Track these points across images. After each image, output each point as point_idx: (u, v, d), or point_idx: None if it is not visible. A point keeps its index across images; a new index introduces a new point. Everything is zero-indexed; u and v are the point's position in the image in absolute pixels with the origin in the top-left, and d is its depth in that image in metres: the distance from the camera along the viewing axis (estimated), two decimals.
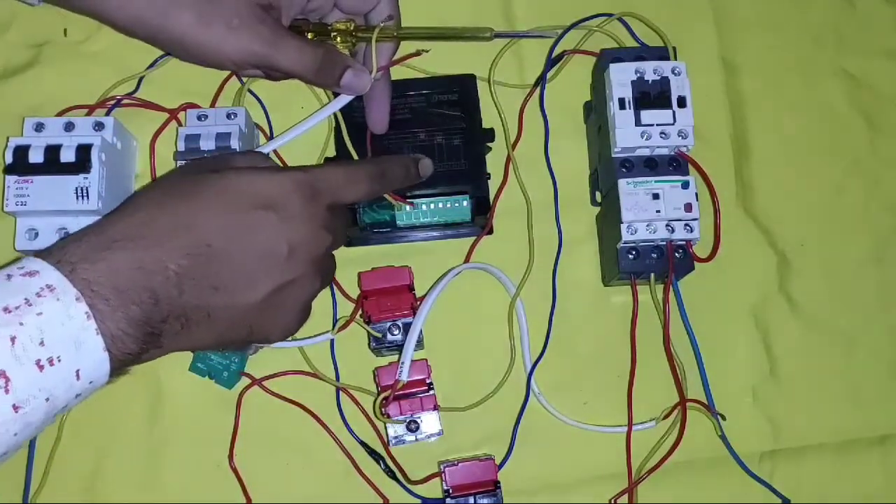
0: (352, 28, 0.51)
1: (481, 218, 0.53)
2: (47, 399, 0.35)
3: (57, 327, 0.35)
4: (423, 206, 0.51)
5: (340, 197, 0.45)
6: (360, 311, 0.51)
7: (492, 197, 0.53)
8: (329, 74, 0.49)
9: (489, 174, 0.53)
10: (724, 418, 0.51)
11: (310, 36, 0.51)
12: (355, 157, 0.51)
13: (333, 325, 0.51)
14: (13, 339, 0.34)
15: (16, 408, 0.34)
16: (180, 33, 0.47)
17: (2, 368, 0.34)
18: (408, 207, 0.51)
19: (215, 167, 0.44)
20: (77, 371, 0.36)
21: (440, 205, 0.52)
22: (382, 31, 0.50)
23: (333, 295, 0.52)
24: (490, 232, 0.54)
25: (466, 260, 0.53)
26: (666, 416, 0.52)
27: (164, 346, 0.39)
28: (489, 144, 0.54)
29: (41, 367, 0.35)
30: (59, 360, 0.35)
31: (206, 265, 0.40)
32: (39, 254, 0.38)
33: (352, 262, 0.52)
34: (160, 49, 0.52)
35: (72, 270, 0.36)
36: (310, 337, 0.51)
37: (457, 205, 0.52)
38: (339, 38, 0.51)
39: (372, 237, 0.53)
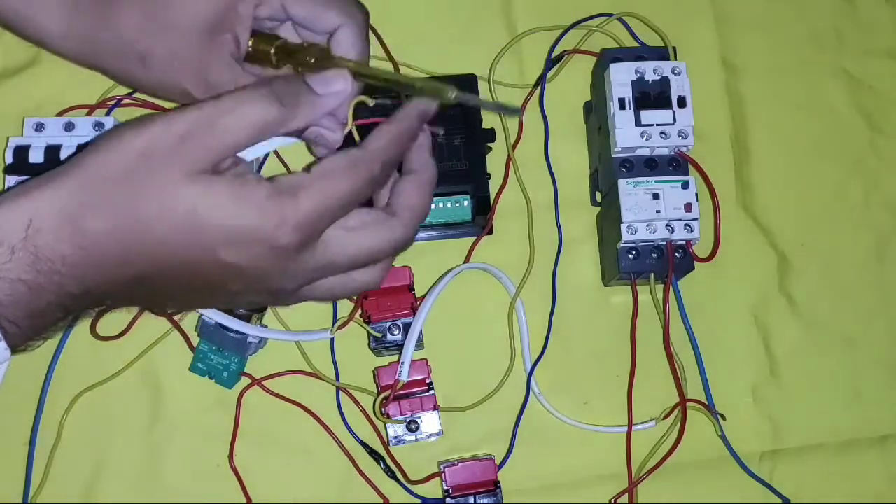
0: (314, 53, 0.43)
1: (481, 218, 0.53)
2: None
3: None
4: None
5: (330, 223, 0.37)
6: (359, 311, 0.51)
7: (492, 197, 0.53)
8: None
9: (489, 174, 0.53)
10: (724, 418, 0.51)
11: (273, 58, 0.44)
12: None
13: (333, 324, 0.51)
14: None
15: None
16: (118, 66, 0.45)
17: None
18: None
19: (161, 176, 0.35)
20: None
21: (440, 205, 0.52)
22: (338, 62, 0.42)
23: None
24: (490, 232, 0.54)
25: (466, 260, 0.53)
26: (666, 416, 0.52)
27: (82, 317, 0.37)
28: (489, 145, 0.54)
29: None
30: None
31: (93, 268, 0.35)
32: None
33: None
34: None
35: None
36: (308, 331, 0.51)
37: (457, 205, 0.52)
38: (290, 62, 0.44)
39: None
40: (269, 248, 0.36)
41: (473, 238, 0.54)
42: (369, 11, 0.47)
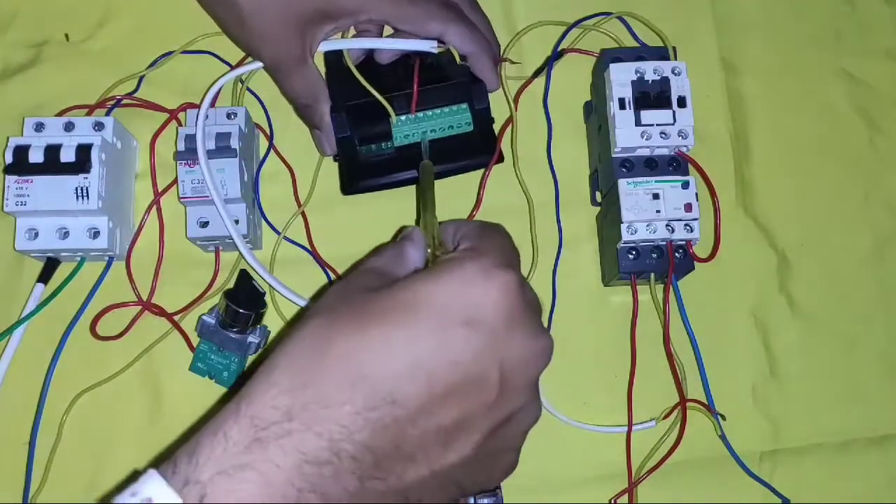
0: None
1: (487, 141, 0.51)
2: None
3: None
4: (421, 115, 0.50)
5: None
6: None
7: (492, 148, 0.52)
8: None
9: (492, 118, 0.52)
10: (724, 418, 0.51)
11: None
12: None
13: None
14: None
15: None
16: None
17: None
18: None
19: (367, 283, 0.33)
20: None
21: (438, 111, 0.50)
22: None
23: (329, 280, 0.52)
24: (501, 159, 0.52)
25: (478, 203, 0.52)
26: (666, 416, 0.52)
27: None
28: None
29: None
30: None
31: (392, 429, 0.29)
32: (164, 465, 0.28)
33: (352, 259, 0.52)
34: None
35: (202, 497, 0.26)
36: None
37: (455, 108, 0.50)
38: None
39: (370, 179, 0.52)
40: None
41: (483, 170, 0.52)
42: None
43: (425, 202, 0.43)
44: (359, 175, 0.52)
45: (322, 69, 0.52)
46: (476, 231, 0.37)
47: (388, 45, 0.51)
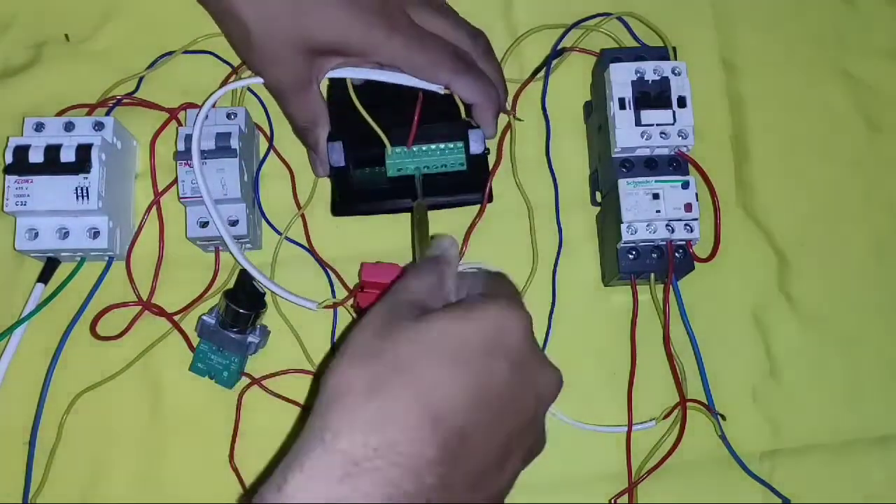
0: None
1: (479, 181, 0.51)
2: None
3: None
4: (416, 150, 0.50)
5: None
6: (352, 300, 0.51)
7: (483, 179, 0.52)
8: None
9: (488, 150, 0.52)
10: (724, 418, 0.51)
11: None
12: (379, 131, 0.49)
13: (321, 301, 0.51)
14: None
15: None
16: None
17: None
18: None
19: (406, 312, 0.35)
20: None
21: (434, 147, 0.50)
22: None
23: (332, 285, 0.53)
24: (490, 199, 0.53)
25: (466, 240, 0.53)
26: (666, 416, 0.52)
27: None
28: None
29: None
30: None
31: (461, 460, 0.31)
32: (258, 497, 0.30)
33: (352, 259, 0.52)
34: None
35: None
36: (297, 295, 0.51)
37: (452, 146, 0.50)
38: None
39: (360, 203, 0.52)
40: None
41: (475, 206, 0.53)
42: (485, 39, 0.52)
43: (421, 240, 0.46)
44: (350, 199, 0.52)
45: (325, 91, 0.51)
46: (484, 279, 0.40)
47: (395, 80, 0.50)
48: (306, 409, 0.51)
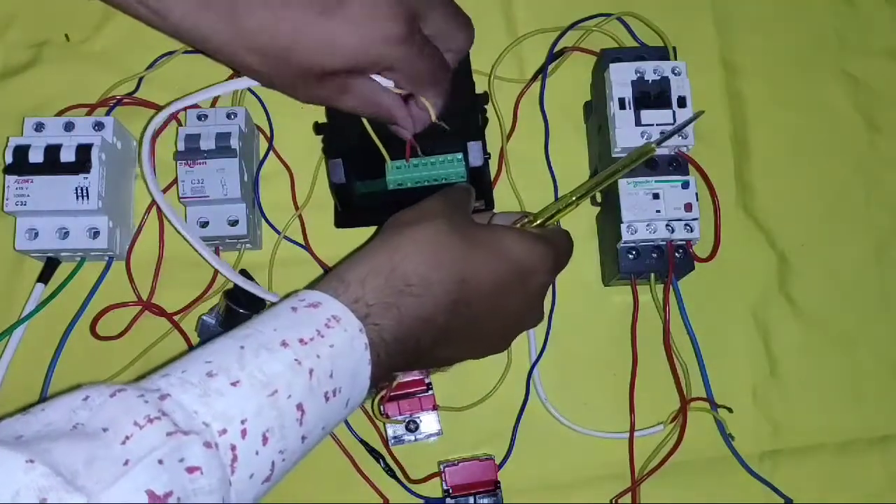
0: None
1: (480, 188, 0.51)
2: (323, 428, 0.36)
3: (343, 359, 0.36)
4: (415, 163, 0.50)
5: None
6: None
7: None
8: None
9: (489, 154, 0.51)
10: (730, 411, 0.51)
11: None
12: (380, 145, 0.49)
13: None
14: (311, 372, 0.35)
15: (303, 439, 0.35)
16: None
17: (300, 401, 0.34)
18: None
19: (471, 219, 0.44)
20: (347, 401, 0.37)
21: (434, 159, 0.50)
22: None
23: None
24: (492, 206, 0.53)
25: None
26: (673, 420, 0.52)
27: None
28: (485, 106, 0.53)
29: (327, 399, 0.35)
30: (340, 392, 0.36)
31: (463, 325, 0.41)
32: (322, 285, 0.38)
33: None
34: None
35: (366, 315, 0.37)
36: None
37: (451, 157, 0.50)
38: None
39: (362, 216, 0.52)
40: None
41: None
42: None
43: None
44: (352, 212, 0.52)
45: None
46: (558, 231, 0.48)
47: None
48: None
